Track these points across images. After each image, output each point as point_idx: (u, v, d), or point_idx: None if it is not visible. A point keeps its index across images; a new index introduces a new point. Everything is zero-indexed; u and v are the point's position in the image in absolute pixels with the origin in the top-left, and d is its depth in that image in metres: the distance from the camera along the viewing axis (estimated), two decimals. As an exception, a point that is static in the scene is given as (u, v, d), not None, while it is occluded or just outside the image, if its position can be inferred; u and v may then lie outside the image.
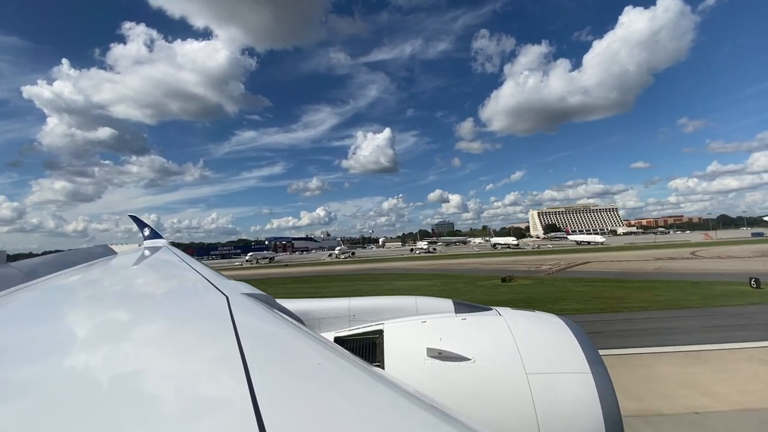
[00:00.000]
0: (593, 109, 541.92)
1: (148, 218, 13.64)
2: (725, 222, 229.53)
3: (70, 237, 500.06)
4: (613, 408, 2.06)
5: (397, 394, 0.88)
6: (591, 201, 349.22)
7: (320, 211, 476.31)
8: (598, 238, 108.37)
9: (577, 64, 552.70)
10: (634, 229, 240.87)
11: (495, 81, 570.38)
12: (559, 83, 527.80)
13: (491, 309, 2.73)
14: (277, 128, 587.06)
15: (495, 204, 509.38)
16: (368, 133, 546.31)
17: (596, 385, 2.10)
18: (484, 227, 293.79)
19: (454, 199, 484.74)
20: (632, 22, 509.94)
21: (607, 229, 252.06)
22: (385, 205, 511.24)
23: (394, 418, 0.78)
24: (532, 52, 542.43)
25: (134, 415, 0.75)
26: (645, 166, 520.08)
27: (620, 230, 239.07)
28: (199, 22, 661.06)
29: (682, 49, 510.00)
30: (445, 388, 2.15)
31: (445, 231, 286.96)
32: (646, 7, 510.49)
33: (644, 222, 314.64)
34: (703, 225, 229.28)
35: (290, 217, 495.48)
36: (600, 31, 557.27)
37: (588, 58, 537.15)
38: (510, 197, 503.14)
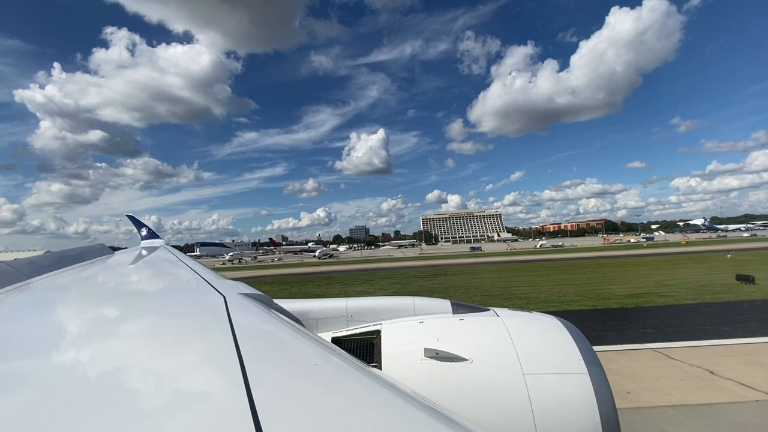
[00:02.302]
0: (583, 110, 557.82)
1: (149, 219, 12.57)
2: (645, 228, 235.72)
3: (71, 238, 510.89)
4: (610, 409, 2.07)
5: (394, 394, 0.88)
6: (479, 207, 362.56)
7: (320, 212, 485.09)
8: (318, 251, 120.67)
9: (564, 65, 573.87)
10: (510, 235, 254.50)
11: (482, 82, 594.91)
12: (548, 84, 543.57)
13: (489, 309, 2.76)
14: (278, 129, 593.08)
15: (495, 204, 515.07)
16: (369, 134, 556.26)
17: (593, 386, 2.11)
18: (397, 233, 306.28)
19: (454, 199, 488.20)
20: (619, 22, 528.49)
21: (487, 236, 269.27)
22: (384, 205, 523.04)
23: (390, 418, 0.78)
24: (520, 54, 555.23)
25: (130, 414, 0.75)
26: (642, 166, 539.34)
27: (497, 236, 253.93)
28: (178, 27, 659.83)
29: (670, 49, 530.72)
30: (443, 389, 2.16)
31: (361, 236, 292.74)
32: (633, 7, 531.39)
33: (533, 228, 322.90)
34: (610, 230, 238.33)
35: (290, 218, 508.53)
36: (587, 32, 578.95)
37: (575, 59, 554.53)
38: (509, 197, 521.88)
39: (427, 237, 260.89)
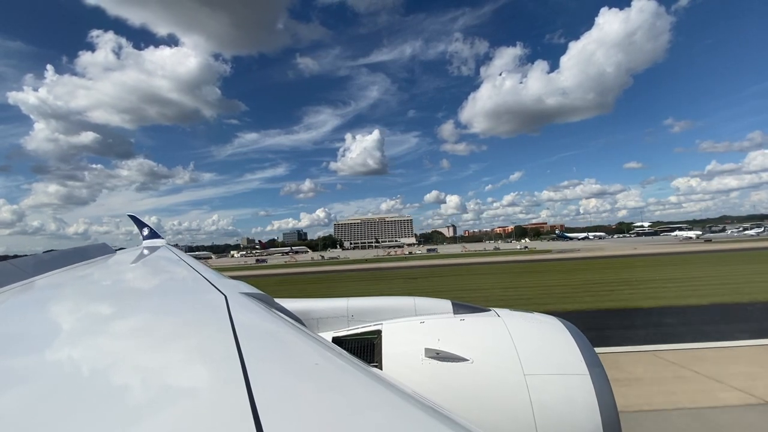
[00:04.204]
0: (573, 111, 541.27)
1: (149, 220, 13.49)
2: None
3: (72, 239, 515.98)
4: (611, 410, 2.07)
5: (394, 394, 0.88)
6: (391, 213, 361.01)
7: (320, 213, 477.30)
8: None
9: (554, 66, 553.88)
10: (413, 241, 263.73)
11: (473, 83, 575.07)
12: (539, 85, 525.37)
13: (490, 310, 2.75)
14: (279, 130, 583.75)
15: (494, 205, 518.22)
16: (368, 135, 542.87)
17: (594, 388, 2.10)
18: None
19: (453, 199, 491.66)
20: (608, 23, 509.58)
21: (396, 241, 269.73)
22: (384, 206, 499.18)
23: (391, 418, 0.78)
24: (509, 55, 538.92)
25: (131, 412, 0.76)
26: (639, 166, 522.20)
27: (402, 241, 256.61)
28: (161, 30, 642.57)
29: (659, 50, 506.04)
30: (443, 389, 2.15)
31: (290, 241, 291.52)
32: (621, 8, 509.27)
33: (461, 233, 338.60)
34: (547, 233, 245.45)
35: (290, 219, 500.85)
36: (577, 33, 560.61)
37: (565, 60, 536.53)
38: (508, 197, 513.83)
39: (331, 243, 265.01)
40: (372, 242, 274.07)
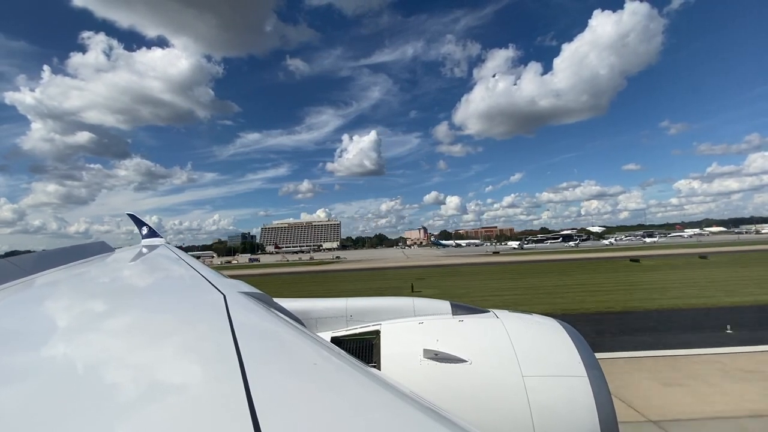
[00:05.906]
0: (568, 113, 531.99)
1: (149, 219, 13.47)
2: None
3: (73, 238, 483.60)
4: (609, 412, 2.08)
5: (392, 394, 0.88)
6: (319, 216, 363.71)
7: (320, 213, 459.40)
8: None
9: (551, 68, 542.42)
10: (336, 245, 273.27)
11: (466, 85, 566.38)
12: (532, 87, 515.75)
13: (488, 311, 2.77)
14: (281, 131, 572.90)
15: (494, 206, 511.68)
16: (368, 135, 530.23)
17: (593, 389, 2.12)
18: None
19: (453, 200, 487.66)
20: (601, 25, 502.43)
21: (320, 246, 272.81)
22: (383, 206, 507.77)
23: (389, 418, 0.78)
24: (502, 57, 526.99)
25: (129, 411, 0.76)
26: (637, 168, 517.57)
27: (325, 245, 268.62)
28: (150, 32, 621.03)
29: (653, 53, 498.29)
30: (441, 390, 2.17)
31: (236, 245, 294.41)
32: (614, 10, 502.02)
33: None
34: (509, 237, 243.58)
35: (291, 219, 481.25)
36: (570, 36, 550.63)
37: (558, 62, 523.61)
38: (508, 199, 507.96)
39: (250, 247, 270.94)
40: (298, 246, 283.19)
